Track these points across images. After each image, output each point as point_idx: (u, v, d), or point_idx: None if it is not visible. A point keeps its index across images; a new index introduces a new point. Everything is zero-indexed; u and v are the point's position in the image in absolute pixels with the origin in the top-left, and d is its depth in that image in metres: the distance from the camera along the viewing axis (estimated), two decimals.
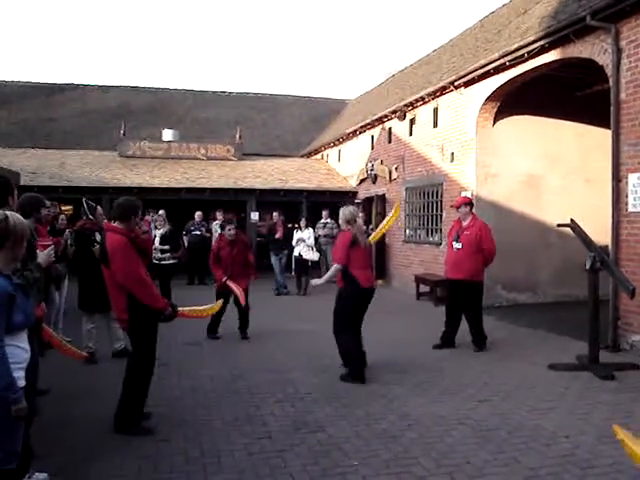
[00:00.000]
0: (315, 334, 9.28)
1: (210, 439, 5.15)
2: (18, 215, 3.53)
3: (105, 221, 5.69)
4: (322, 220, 17.00)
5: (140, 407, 5.43)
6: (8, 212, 3.45)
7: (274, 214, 15.94)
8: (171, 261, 12.50)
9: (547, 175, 13.31)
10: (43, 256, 4.66)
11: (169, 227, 12.89)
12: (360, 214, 7.81)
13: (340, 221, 7.40)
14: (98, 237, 7.90)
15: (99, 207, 8.34)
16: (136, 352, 5.45)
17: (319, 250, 16.21)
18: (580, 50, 9.42)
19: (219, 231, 16.42)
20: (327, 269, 16.82)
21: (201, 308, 7.21)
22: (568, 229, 8.03)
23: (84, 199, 8.33)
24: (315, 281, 7.62)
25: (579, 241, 7.80)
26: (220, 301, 7.94)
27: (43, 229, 7.82)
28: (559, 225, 8.41)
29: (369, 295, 7.20)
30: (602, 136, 11.67)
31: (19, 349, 3.37)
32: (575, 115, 13.19)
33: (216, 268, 9.37)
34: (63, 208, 15.34)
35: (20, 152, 20.73)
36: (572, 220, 7.91)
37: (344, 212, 7.30)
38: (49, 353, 7.44)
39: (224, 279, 9.15)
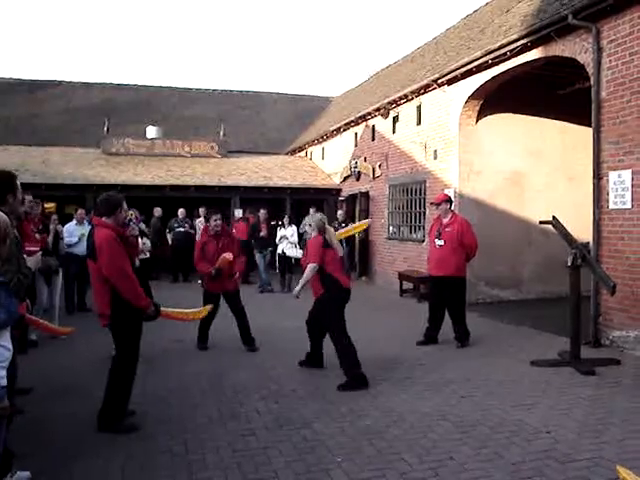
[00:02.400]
0: (299, 331, 9.25)
1: (195, 436, 5.16)
2: (2, 214, 3.53)
3: (93, 216, 5.68)
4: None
5: (124, 405, 5.43)
6: None
7: (261, 211, 15.90)
8: (142, 256, 12.33)
9: (530, 172, 13.41)
10: (33, 261, 4.65)
11: (139, 225, 12.90)
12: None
13: (309, 229, 7.29)
14: None
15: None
16: (119, 349, 5.45)
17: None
18: (562, 49, 9.49)
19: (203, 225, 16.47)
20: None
21: (187, 311, 7.20)
22: (550, 226, 8.10)
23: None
24: (295, 290, 7.21)
25: (561, 238, 7.88)
26: (209, 306, 7.84)
27: (28, 228, 7.80)
28: (541, 222, 8.49)
29: (349, 296, 7.10)
30: (584, 134, 11.76)
31: (2, 348, 3.37)
32: (558, 113, 13.30)
33: (202, 264, 8.58)
34: (46, 205, 15.25)
35: (2, 149, 20.56)
36: (554, 217, 7.98)
37: (314, 220, 7.21)
38: (32, 352, 7.45)
39: (211, 269, 8.36)
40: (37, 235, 8.20)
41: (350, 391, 6.46)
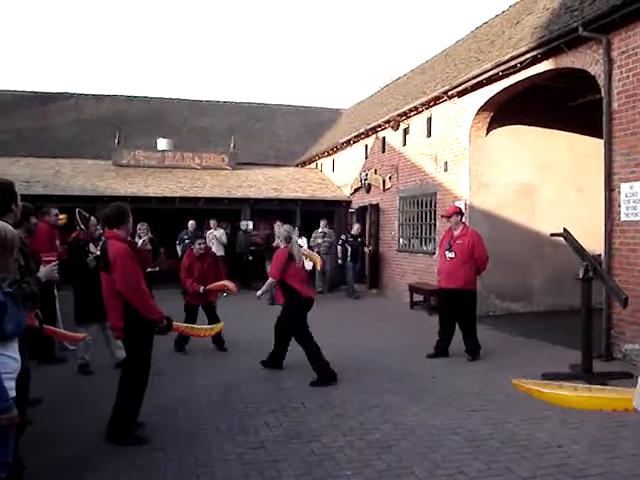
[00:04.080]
0: None
1: (204, 449, 5.14)
2: (8, 225, 3.54)
3: (105, 229, 5.69)
4: (320, 230, 17.02)
5: (134, 416, 5.42)
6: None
7: (276, 223, 15.95)
8: (150, 269, 12.33)
9: (540, 185, 13.37)
10: (45, 271, 4.62)
11: (150, 236, 12.80)
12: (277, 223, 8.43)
13: (278, 240, 8.21)
14: (92, 248, 7.90)
15: (92, 218, 8.31)
16: (130, 361, 5.46)
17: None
18: (572, 61, 9.47)
19: (215, 239, 16.51)
20: (323, 279, 16.96)
21: (199, 327, 7.28)
22: (561, 238, 8.05)
23: (77, 210, 8.30)
24: (258, 293, 8.24)
25: (572, 250, 7.83)
26: (220, 324, 8.39)
27: (47, 237, 7.91)
28: (552, 235, 8.44)
29: (310, 305, 7.75)
30: (595, 146, 11.72)
31: (10, 359, 3.38)
32: (568, 125, 13.26)
33: (190, 281, 9.36)
34: (59, 217, 15.28)
35: (14, 161, 20.72)
36: (565, 229, 7.94)
37: (280, 231, 8.11)
38: (43, 365, 7.46)
39: (201, 289, 9.26)
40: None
41: (321, 387, 7.11)
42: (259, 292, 8.21)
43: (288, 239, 7.87)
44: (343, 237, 16.70)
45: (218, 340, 9.26)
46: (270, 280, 7.83)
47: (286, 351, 8.01)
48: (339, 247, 16.46)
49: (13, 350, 3.43)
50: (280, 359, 8.06)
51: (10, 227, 3.53)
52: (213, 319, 9.36)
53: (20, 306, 3.53)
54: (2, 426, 3.23)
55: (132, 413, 5.40)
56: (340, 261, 16.36)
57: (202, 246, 9.65)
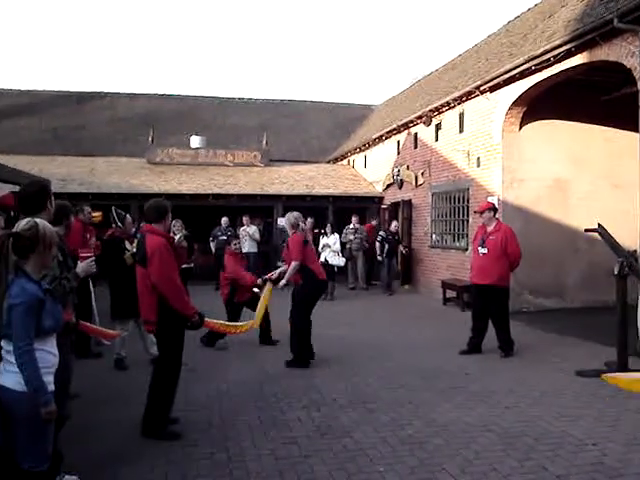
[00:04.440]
0: (342, 339, 9.31)
1: (237, 444, 5.18)
2: (47, 223, 3.61)
3: (144, 223, 5.77)
4: (351, 226, 17.01)
5: (167, 411, 5.48)
6: (38, 220, 3.54)
7: (308, 220, 15.97)
8: (185, 265, 12.44)
9: (574, 180, 13.20)
10: (83, 267, 4.71)
11: (185, 232, 12.88)
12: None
13: (285, 226, 8.40)
14: (127, 245, 8.00)
15: (128, 215, 8.43)
16: (162, 356, 5.53)
17: (349, 256, 16.32)
18: (607, 53, 9.34)
19: (248, 236, 16.59)
20: (355, 275, 16.95)
21: (231, 324, 7.32)
22: (596, 234, 7.96)
23: (113, 208, 8.42)
24: (282, 282, 8.31)
25: (607, 246, 7.73)
26: (251, 322, 8.20)
27: (81, 235, 8.02)
28: (587, 230, 8.35)
29: (325, 286, 8.36)
30: (630, 140, 11.58)
31: (48, 354, 3.44)
32: (602, 119, 13.08)
33: (248, 275, 9.51)
34: (93, 214, 15.48)
35: (50, 159, 21.02)
36: (599, 225, 7.84)
37: (289, 218, 8.21)
38: (85, 360, 7.58)
39: (260, 280, 9.12)
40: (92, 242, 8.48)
41: (294, 368, 7.70)
42: (283, 281, 8.28)
43: (296, 226, 8.09)
44: (382, 234, 16.58)
45: (266, 336, 9.33)
46: (294, 264, 7.94)
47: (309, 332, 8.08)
48: (377, 244, 16.36)
49: (51, 345, 3.49)
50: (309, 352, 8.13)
51: (49, 225, 3.60)
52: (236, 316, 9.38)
53: (58, 302, 3.61)
54: (42, 419, 3.31)
55: (165, 408, 5.45)
56: (379, 257, 16.26)
57: (238, 246, 9.93)
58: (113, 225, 8.32)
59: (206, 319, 5.79)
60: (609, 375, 3.78)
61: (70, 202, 6.41)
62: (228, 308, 9.40)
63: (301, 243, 7.97)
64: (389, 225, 17.31)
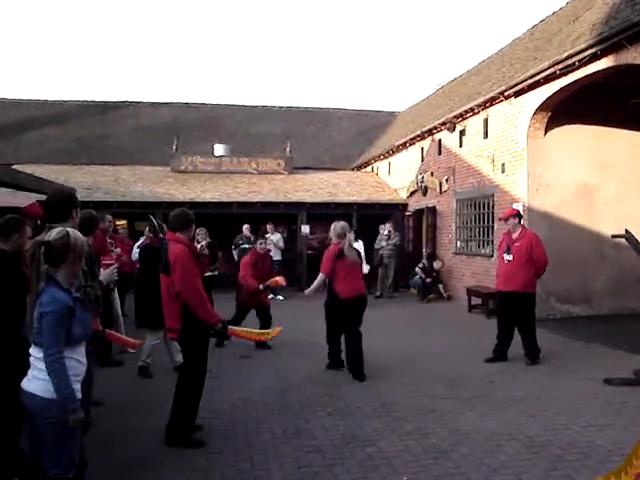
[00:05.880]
0: (365, 346, 9.26)
1: (260, 452, 5.18)
2: (78, 232, 3.64)
3: (168, 232, 5.80)
4: (385, 232, 17.02)
5: (191, 419, 5.49)
6: (69, 229, 3.58)
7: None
8: (209, 273, 12.44)
9: (601, 185, 13.05)
10: (106, 275, 4.75)
11: (209, 241, 12.87)
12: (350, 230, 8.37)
13: (331, 235, 7.99)
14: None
15: (165, 226, 8.45)
16: (187, 364, 5.54)
17: (379, 262, 16.43)
18: (634, 56, 9.22)
19: (272, 244, 16.63)
20: (385, 283, 16.90)
21: (255, 331, 7.33)
22: (623, 240, 7.85)
23: (150, 217, 8.52)
24: (306, 291, 8.37)
25: (634, 252, 7.62)
26: (277, 329, 8.54)
27: (106, 243, 8.09)
28: (614, 236, 8.25)
29: (349, 305, 7.70)
30: None
31: (77, 362, 3.47)
32: (629, 123, 12.93)
33: (250, 279, 9.76)
34: (117, 223, 15.65)
35: (75, 169, 21.24)
36: (627, 230, 7.74)
37: (335, 228, 7.91)
38: (102, 368, 7.62)
39: (261, 286, 9.71)
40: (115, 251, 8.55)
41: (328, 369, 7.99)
42: (308, 290, 8.31)
43: (342, 235, 7.84)
44: (422, 267, 16.52)
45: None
46: (320, 275, 7.91)
47: (339, 349, 8.11)
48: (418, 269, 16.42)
49: (80, 354, 3.52)
50: (338, 358, 8.18)
51: (80, 234, 3.63)
52: (266, 324, 9.66)
53: (87, 311, 3.63)
54: (70, 426, 3.33)
55: (190, 415, 5.47)
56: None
57: (264, 245, 10.36)
58: (150, 235, 8.40)
59: (230, 327, 5.80)
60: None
61: (96, 210, 6.49)
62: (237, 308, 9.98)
63: (334, 256, 7.75)
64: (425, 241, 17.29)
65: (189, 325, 5.33)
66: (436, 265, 16.46)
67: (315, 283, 8.11)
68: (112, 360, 8.46)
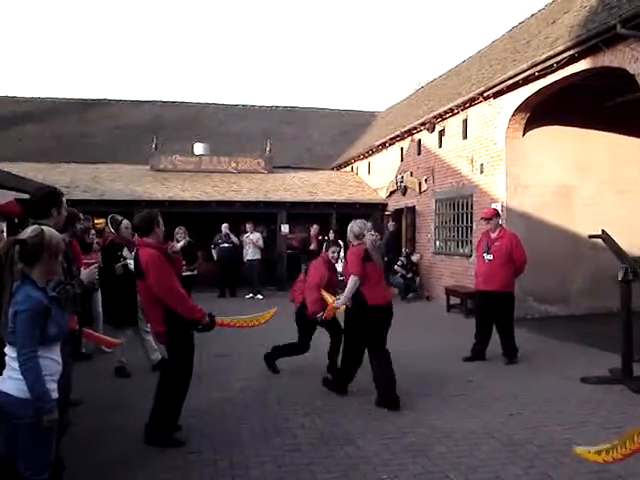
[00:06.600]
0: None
1: (239, 451, 5.17)
2: (53, 229, 3.61)
3: (136, 237, 5.73)
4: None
5: (173, 419, 5.47)
6: (44, 227, 3.53)
7: (313, 226, 15.99)
8: (188, 273, 12.35)
9: (579, 186, 13.18)
10: (86, 274, 4.69)
11: (187, 240, 12.83)
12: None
13: (349, 237, 6.85)
14: (126, 252, 7.97)
15: (125, 221, 8.31)
16: (173, 365, 5.48)
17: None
18: (611, 59, 9.33)
19: (252, 243, 16.62)
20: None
21: (248, 317, 7.00)
22: (600, 240, 7.93)
23: (110, 215, 8.42)
24: (338, 302, 6.82)
25: (611, 252, 7.70)
26: (272, 310, 6.74)
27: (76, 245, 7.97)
28: (590, 236, 8.32)
29: (379, 313, 6.55)
30: (634, 146, 11.55)
31: (52, 361, 3.43)
32: (606, 125, 13.05)
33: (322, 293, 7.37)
34: (96, 221, 15.53)
35: (54, 167, 21.01)
36: (603, 231, 7.81)
37: (352, 228, 6.76)
38: (82, 365, 7.56)
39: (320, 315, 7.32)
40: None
41: (328, 389, 6.97)
42: (341, 301, 6.75)
43: (360, 236, 6.68)
44: (401, 264, 16.49)
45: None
46: (353, 279, 6.51)
47: (358, 366, 6.87)
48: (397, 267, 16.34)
49: (56, 353, 3.49)
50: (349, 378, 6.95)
51: (56, 232, 3.59)
52: (338, 335, 7.54)
53: (63, 310, 3.60)
54: (44, 427, 3.30)
55: (172, 416, 5.45)
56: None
57: (335, 255, 7.89)
58: (109, 231, 8.30)
59: (218, 318, 5.71)
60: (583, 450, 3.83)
61: (75, 209, 6.42)
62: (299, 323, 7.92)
63: (361, 256, 6.54)
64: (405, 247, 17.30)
65: (173, 326, 5.29)
66: (414, 258, 16.54)
67: (347, 290, 6.59)
68: (81, 354, 8.33)
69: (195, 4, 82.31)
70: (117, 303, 7.82)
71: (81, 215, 8.22)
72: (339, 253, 7.82)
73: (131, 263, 7.75)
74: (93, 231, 9.67)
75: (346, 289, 6.63)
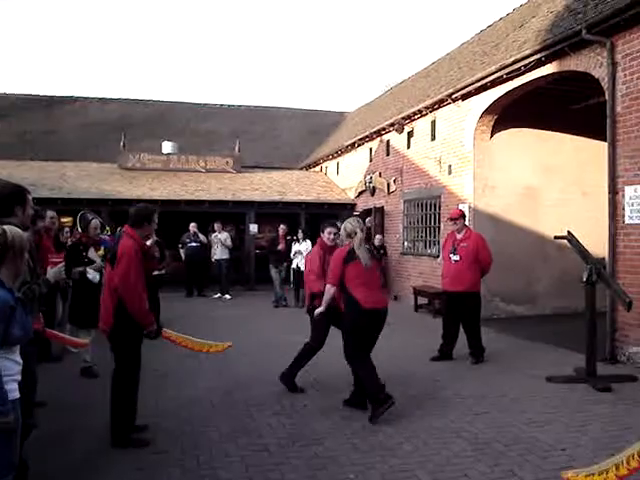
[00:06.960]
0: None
1: (207, 451, 5.15)
2: (17, 229, 3.55)
3: (125, 226, 5.66)
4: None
5: (129, 419, 5.41)
6: (6, 226, 3.47)
7: (281, 226, 15.94)
8: (156, 272, 12.19)
9: (545, 187, 13.36)
10: (53, 272, 4.63)
11: (156, 239, 12.69)
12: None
13: (342, 236, 6.54)
14: (91, 252, 7.84)
15: (95, 221, 8.17)
16: (118, 360, 5.41)
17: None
18: (576, 63, 9.47)
19: (220, 243, 16.56)
20: None
21: (197, 340, 6.73)
22: (565, 241, 8.04)
23: (81, 212, 8.28)
24: (317, 311, 6.55)
25: (576, 253, 7.82)
26: (226, 344, 6.75)
27: (49, 242, 7.84)
28: (556, 237, 8.43)
29: (374, 316, 6.25)
30: (599, 149, 11.69)
31: (13, 362, 3.37)
32: (573, 128, 13.25)
33: (320, 282, 6.87)
34: (63, 220, 15.33)
35: (19, 164, 20.70)
36: (569, 232, 7.93)
37: (345, 226, 6.39)
38: (51, 366, 7.47)
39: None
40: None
41: (382, 416, 5.92)
42: (318, 310, 6.53)
43: (352, 234, 6.27)
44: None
45: None
46: (329, 288, 6.30)
47: (374, 369, 6.45)
48: None
49: (16, 354, 3.43)
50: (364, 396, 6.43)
51: (20, 230, 3.53)
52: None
53: (28, 311, 3.54)
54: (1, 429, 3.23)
55: (127, 413, 5.39)
56: None
57: (332, 235, 7.31)
58: (76, 229, 8.17)
59: (165, 330, 5.67)
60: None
61: (40, 207, 6.34)
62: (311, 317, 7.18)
63: (341, 260, 6.18)
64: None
65: (121, 323, 5.22)
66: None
67: (324, 301, 6.40)
68: (52, 356, 8.26)
69: (165, 3, 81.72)
70: (81, 303, 7.71)
71: (50, 212, 8.15)
72: (336, 234, 7.18)
73: (91, 273, 7.66)
74: (67, 229, 9.53)
75: (323, 300, 6.41)
